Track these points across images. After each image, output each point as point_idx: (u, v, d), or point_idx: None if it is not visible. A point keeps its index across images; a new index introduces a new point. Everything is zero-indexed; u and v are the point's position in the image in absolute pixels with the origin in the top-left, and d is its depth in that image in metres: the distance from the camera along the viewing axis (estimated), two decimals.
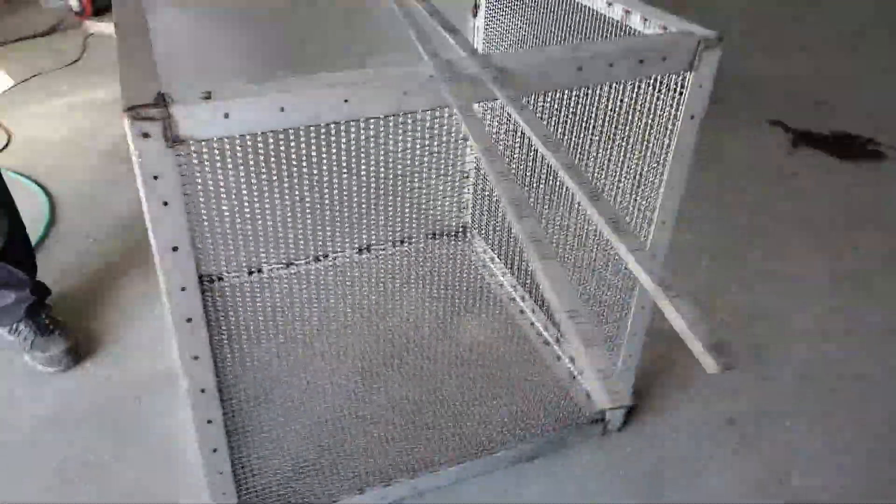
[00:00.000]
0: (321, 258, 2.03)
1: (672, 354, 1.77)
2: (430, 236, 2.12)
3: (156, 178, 0.84)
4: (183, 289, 0.95)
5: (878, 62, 3.59)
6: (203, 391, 1.06)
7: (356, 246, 2.05)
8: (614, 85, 1.13)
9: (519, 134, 1.76)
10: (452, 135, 1.94)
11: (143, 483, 1.40)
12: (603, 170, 1.30)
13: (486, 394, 1.59)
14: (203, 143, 0.87)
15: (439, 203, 2.01)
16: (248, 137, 0.89)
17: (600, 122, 1.20)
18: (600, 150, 1.28)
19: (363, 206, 1.80)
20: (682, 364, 1.75)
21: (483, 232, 2.11)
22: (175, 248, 0.91)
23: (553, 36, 1.49)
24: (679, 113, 1.12)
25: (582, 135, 1.29)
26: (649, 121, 1.14)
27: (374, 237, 2.02)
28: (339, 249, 2.03)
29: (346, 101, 0.88)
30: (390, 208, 1.86)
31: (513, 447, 1.46)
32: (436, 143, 1.79)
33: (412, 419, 1.52)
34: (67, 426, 1.51)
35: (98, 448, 1.47)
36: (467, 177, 2.05)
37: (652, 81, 1.11)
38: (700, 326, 0.59)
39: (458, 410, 1.54)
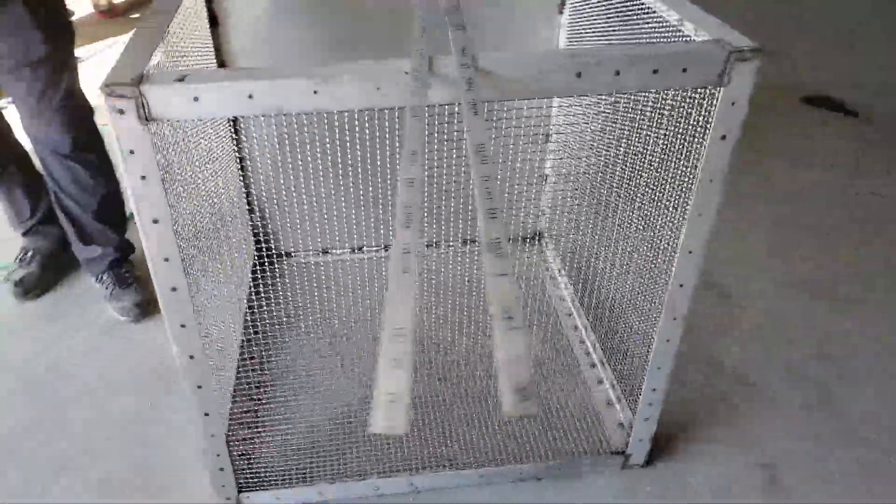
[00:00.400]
0: (389, 248, 2.05)
1: (722, 390, 1.61)
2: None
3: (132, 152, 0.90)
4: (166, 259, 1.00)
5: None
6: (192, 357, 1.11)
7: (425, 241, 2.05)
8: (635, 95, 1.03)
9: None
10: (532, 137, 1.89)
11: (169, 447, 1.50)
12: (621, 187, 1.19)
13: None
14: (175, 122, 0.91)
15: (513, 206, 1.97)
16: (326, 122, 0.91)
17: (624, 132, 1.11)
18: (622, 165, 1.17)
19: (435, 201, 1.81)
20: (729, 402, 1.58)
21: (556, 241, 2.03)
22: (156, 221, 0.96)
23: (625, 38, 1.40)
24: (707, 132, 1.00)
25: (608, 144, 1.19)
26: (673, 138, 1.03)
27: (443, 234, 2.02)
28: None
29: (315, 91, 0.88)
30: (462, 206, 1.85)
31: (532, 463, 1.39)
32: (511, 143, 1.75)
33: (436, 417, 1.50)
34: (121, 378, 1.65)
35: (136, 404, 1.59)
36: (545, 182, 1.98)
37: (676, 94, 1.00)
38: (516, 367, 0.52)
39: (483, 415, 1.51)
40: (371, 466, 1.40)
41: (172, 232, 0.98)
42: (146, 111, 0.87)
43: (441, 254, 2.00)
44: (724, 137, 1.00)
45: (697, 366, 1.68)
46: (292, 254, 2.03)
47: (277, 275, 1.95)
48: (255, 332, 1.68)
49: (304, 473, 1.38)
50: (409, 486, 1.39)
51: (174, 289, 1.03)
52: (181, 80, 0.86)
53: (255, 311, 1.73)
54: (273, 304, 1.78)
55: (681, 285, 1.16)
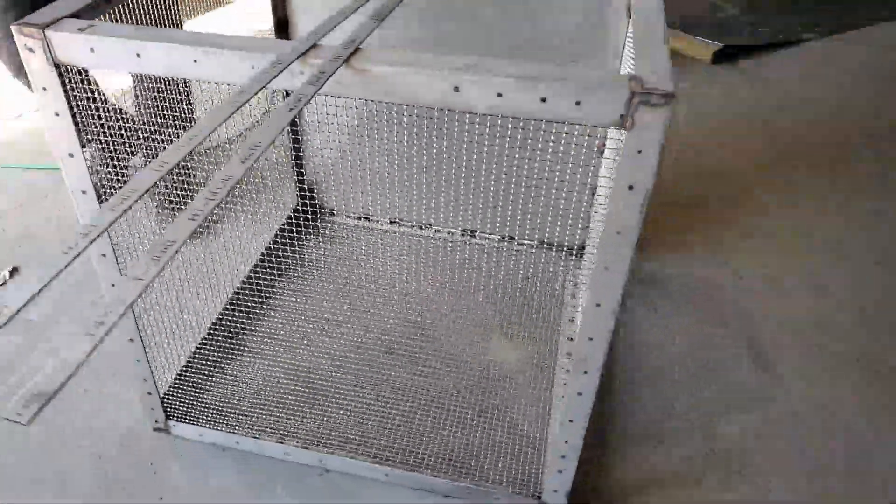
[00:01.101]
0: (425, 227, 2.05)
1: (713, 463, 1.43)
2: (540, 244, 1.98)
3: (44, 89, 0.97)
4: (83, 192, 1.08)
5: None
6: (113, 285, 1.20)
7: (462, 227, 2.02)
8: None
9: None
10: (584, 147, 1.77)
11: None
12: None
13: (469, 413, 1.49)
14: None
15: (556, 213, 1.87)
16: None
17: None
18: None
19: (477, 191, 1.79)
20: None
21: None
22: (71, 155, 1.04)
23: None
24: (612, 179, 0.88)
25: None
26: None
27: (480, 224, 1.98)
28: (445, 225, 2.02)
29: (195, 60, 0.89)
30: (506, 204, 1.82)
31: (447, 478, 1.35)
32: (561, 154, 1.64)
33: (378, 408, 1.50)
34: None
35: None
36: (593, 194, 1.85)
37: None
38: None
39: (429, 416, 1.48)
40: (293, 433, 1.43)
41: (87, 167, 1.05)
42: (52, 54, 0.93)
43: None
44: (631, 188, 0.87)
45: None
46: (333, 212, 2.08)
47: (314, 233, 2.02)
48: (258, 278, 1.77)
49: (232, 421, 1.44)
50: (318, 462, 1.40)
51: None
52: (82, 30, 0.91)
53: (271, 256, 1.82)
54: (292, 256, 1.86)
55: (590, 339, 1.04)
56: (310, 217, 2.06)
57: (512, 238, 2.00)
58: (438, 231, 2.02)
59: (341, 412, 1.48)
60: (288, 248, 1.91)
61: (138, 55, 0.90)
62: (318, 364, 1.59)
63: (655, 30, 0.95)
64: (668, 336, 1.73)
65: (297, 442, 1.41)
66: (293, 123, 1.92)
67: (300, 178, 1.99)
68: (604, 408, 1.54)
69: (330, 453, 1.39)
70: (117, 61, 0.92)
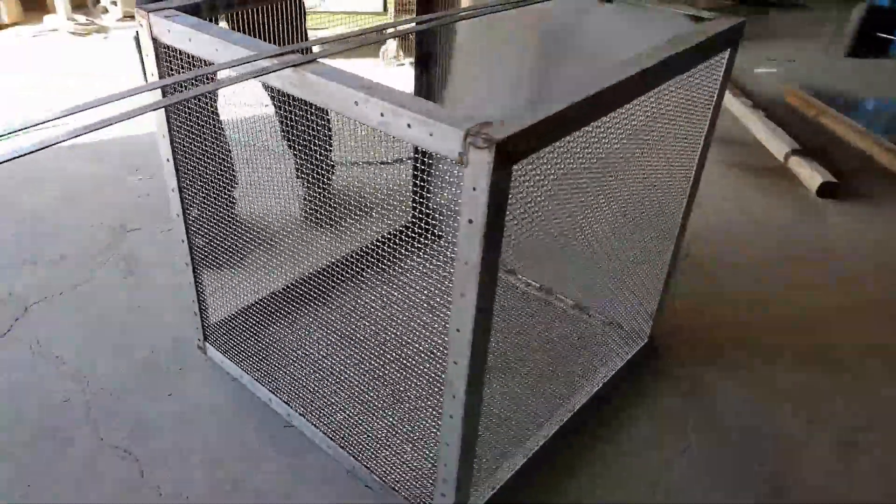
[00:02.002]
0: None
1: None
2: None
3: (147, 56, 1.35)
4: (163, 136, 1.45)
5: None
6: (178, 215, 1.56)
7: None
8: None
9: None
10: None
11: None
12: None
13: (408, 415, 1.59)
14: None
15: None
16: None
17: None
18: None
19: None
20: None
21: None
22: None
23: None
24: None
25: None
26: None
27: None
28: None
29: (216, 49, 1.19)
30: None
31: (370, 472, 1.48)
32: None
33: (354, 397, 1.66)
34: None
35: None
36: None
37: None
38: None
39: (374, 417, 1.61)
40: (282, 389, 1.66)
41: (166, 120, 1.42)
42: (151, 30, 1.31)
43: None
44: (470, 222, 0.95)
45: None
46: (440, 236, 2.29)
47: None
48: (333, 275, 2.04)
49: (247, 361, 1.73)
50: (286, 415, 1.62)
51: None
52: (168, 17, 1.27)
53: (361, 258, 2.09)
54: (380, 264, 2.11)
55: (455, 363, 1.11)
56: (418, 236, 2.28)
57: None
58: None
59: (324, 391, 1.66)
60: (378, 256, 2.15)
61: (189, 40, 1.23)
62: (334, 355, 1.79)
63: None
64: None
65: (281, 395, 1.64)
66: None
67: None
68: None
69: (299, 414, 1.60)
70: (179, 42, 1.26)
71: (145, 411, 1.64)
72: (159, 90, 1.33)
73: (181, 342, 1.84)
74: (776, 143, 2.98)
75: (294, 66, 1.09)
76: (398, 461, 1.48)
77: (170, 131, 1.45)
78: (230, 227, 1.61)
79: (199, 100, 1.44)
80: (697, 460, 1.59)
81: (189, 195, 1.56)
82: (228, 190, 1.61)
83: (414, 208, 2.17)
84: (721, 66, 1.46)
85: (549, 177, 1.15)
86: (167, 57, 1.35)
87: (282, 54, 1.12)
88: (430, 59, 2.04)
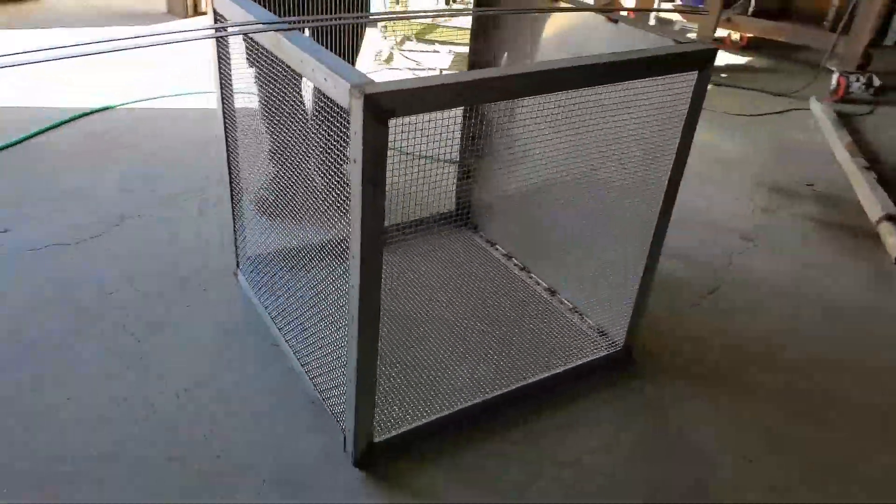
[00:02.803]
0: None
1: None
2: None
3: (213, 19, 1.72)
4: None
5: None
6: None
7: None
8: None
9: None
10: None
11: None
12: None
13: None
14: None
15: None
16: None
17: None
18: None
19: None
20: None
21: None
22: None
23: None
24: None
25: None
26: None
27: None
28: None
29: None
30: None
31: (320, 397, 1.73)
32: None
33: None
34: None
35: None
36: None
37: None
38: None
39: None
40: (284, 325, 1.95)
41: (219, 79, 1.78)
42: (213, 6, 1.67)
43: None
44: (355, 161, 1.17)
45: None
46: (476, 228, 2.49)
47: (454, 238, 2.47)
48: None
49: (265, 289, 2.04)
50: (275, 335, 1.90)
51: None
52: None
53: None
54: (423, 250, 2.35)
55: (353, 286, 1.33)
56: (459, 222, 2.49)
57: None
58: None
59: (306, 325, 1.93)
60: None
61: (227, 9, 1.57)
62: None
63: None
64: None
65: (276, 322, 1.93)
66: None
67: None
68: None
69: (285, 339, 1.88)
70: (222, 9, 1.61)
71: (166, 311, 2.01)
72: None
73: (221, 270, 2.20)
74: (874, 206, 2.81)
75: (278, 30, 1.37)
76: (328, 384, 1.70)
77: (219, 71, 1.79)
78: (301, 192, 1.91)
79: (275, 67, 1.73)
80: (611, 464, 1.64)
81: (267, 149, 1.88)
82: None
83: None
84: (689, 87, 1.54)
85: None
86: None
87: (277, 23, 1.41)
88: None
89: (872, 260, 2.56)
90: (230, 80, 1.82)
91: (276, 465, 1.56)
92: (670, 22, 4.86)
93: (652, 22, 4.74)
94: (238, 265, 2.13)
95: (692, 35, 4.51)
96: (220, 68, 1.80)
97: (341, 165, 1.33)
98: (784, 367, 1.99)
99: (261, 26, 1.40)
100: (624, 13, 3.60)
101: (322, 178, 1.47)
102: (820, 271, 2.47)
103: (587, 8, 1.80)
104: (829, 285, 2.38)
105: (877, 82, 4.12)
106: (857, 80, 4.05)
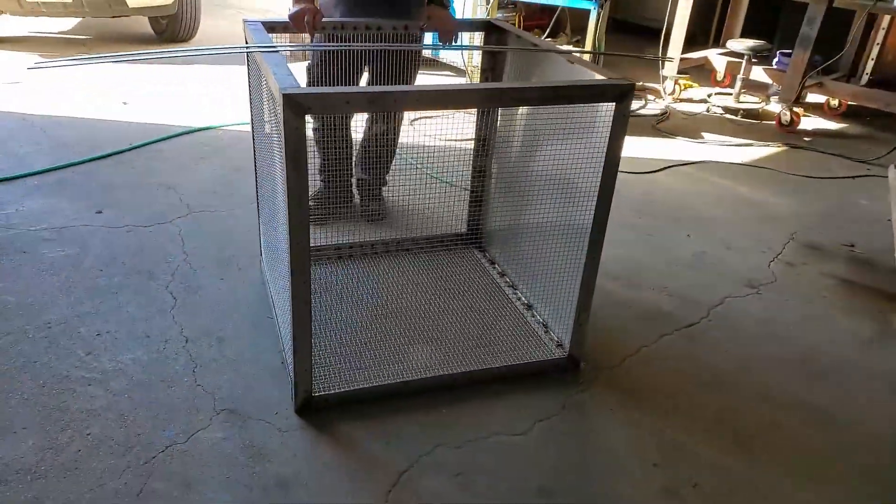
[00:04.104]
0: None
1: None
2: None
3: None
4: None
5: None
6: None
7: None
8: None
9: None
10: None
11: None
12: None
13: None
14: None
15: None
16: None
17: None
18: None
19: None
20: None
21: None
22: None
23: None
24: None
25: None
26: None
27: None
28: None
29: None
30: None
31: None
32: None
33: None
34: None
35: None
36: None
37: None
38: None
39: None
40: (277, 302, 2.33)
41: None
42: (244, 33, 2.13)
43: None
44: (280, 149, 1.52)
45: None
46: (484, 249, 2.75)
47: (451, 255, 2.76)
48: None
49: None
50: (272, 309, 2.27)
51: None
52: (250, 26, 2.08)
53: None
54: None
55: (286, 253, 1.66)
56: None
57: None
58: None
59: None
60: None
61: (248, 33, 2.02)
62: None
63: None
64: None
65: (275, 298, 2.30)
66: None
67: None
68: None
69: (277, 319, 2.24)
70: (249, 36, 2.05)
71: (204, 280, 2.45)
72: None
73: (253, 255, 2.63)
74: None
75: (259, 50, 1.78)
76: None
77: (249, 86, 2.24)
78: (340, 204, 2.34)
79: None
80: (519, 446, 1.82)
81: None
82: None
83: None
84: (609, 116, 1.75)
85: None
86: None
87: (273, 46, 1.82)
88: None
89: (883, 321, 2.50)
90: (259, 103, 2.26)
91: (235, 401, 1.90)
92: (766, 85, 4.85)
93: (738, 85, 4.76)
94: (261, 253, 2.55)
95: (777, 98, 4.51)
96: (250, 92, 2.25)
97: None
98: (724, 397, 2.05)
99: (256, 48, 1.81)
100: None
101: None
102: (818, 323, 2.46)
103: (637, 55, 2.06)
104: (821, 337, 2.38)
105: None
106: None
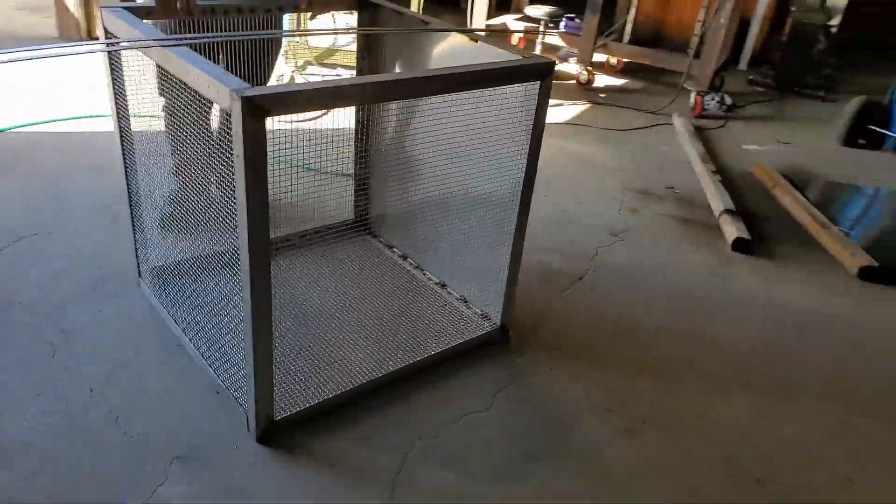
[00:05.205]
0: None
1: None
2: None
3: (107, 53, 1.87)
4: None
5: None
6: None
7: None
8: None
9: None
10: None
11: None
12: None
13: None
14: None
15: None
16: None
17: None
18: None
19: None
20: None
21: None
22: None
23: None
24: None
25: None
26: None
27: None
28: None
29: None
30: None
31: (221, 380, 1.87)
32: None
33: None
34: None
35: None
36: None
37: None
38: None
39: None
40: (187, 325, 2.09)
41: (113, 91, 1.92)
42: (103, 21, 1.83)
43: None
44: (238, 156, 1.36)
45: None
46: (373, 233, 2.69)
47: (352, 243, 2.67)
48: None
49: (168, 301, 2.17)
50: (179, 335, 2.04)
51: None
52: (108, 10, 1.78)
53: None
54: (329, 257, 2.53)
55: (244, 269, 1.50)
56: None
57: None
58: None
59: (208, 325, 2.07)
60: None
61: (112, 21, 1.74)
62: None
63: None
64: None
65: (180, 323, 2.06)
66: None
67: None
68: None
69: (188, 338, 2.01)
70: (111, 27, 1.76)
71: (76, 317, 2.10)
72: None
73: (126, 278, 2.30)
74: (717, 203, 3.22)
75: (165, 45, 1.55)
76: (233, 374, 1.85)
77: (113, 84, 1.94)
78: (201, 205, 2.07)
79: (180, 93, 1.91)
80: (488, 419, 1.87)
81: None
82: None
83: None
84: (534, 93, 1.82)
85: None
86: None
87: (165, 40, 1.59)
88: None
89: (716, 247, 2.94)
90: (125, 99, 1.97)
91: (183, 444, 1.69)
92: (557, 48, 5.28)
93: (539, 48, 5.14)
94: (140, 275, 2.25)
95: (573, 59, 4.95)
96: (114, 87, 1.95)
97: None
98: (636, 338, 2.30)
99: (151, 41, 1.58)
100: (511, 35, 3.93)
101: (218, 188, 1.65)
102: (673, 258, 2.82)
103: (461, 30, 2.07)
104: (679, 270, 2.74)
105: (728, 101, 4.66)
106: (713, 99, 4.56)
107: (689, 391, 2.08)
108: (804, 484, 1.79)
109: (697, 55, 4.63)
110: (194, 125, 1.94)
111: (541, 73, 1.80)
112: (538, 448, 1.80)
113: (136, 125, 2.02)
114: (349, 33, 4.47)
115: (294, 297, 2.25)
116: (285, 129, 1.59)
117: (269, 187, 1.41)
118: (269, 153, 1.39)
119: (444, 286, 2.37)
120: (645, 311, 2.45)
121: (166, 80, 2.02)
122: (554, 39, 5.17)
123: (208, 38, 1.69)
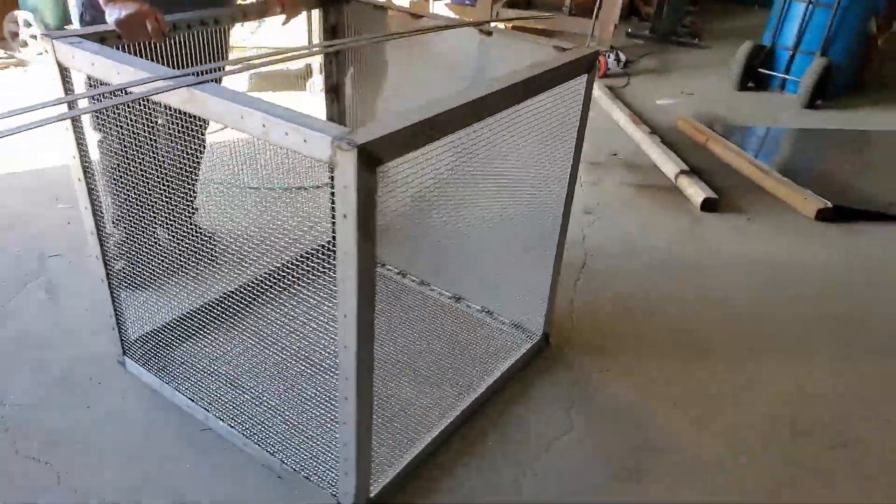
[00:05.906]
0: None
1: None
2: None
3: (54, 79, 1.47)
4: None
5: None
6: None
7: None
8: None
9: None
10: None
11: None
12: None
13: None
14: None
15: None
16: None
17: None
18: None
19: None
20: None
21: None
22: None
23: None
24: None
25: None
26: None
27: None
28: None
29: (92, 63, 1.33)
30: None
31: (279, 461, 1.59)
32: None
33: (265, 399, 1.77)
34: None
35: None
36: None
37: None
38: None
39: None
40: (199, 395, 1.76)
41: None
42: (57, 57, 1.43)
43: None
44: (345, 216, 1.11)
45: None
46: None
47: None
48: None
49: (174, 376, 1.81)
50: (204, 417, 1.71)
51: None
52: (72, 44, 1.40)
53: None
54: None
55: (345, 347, 1.25)
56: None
57: None
58: None
59: (241, 398, 1.76)
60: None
61: (93, 64, 1.36)
62: (249, 363, 1.90)
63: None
64: None
65: (200, 402, 1.72)
66: None
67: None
68: None
69: (216, 417, 1.69)
70: (83, 66, 1.38)
71: (62, 422, 1.70)
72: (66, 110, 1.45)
73: (101, 358, 1.90)
74: (669, 165, 3.27)
75: (188, 85, 1.23)
76: (307, 452, 1.59)
77: (79, 151, 1.56)
78: (151, 252, 1.71)
79: (123, 126, 1.55)
80: (576, 440, 1.76)
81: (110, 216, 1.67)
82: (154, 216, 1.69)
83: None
84: (581, 89, 1.68)
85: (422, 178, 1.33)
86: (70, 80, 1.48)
87: (175, 77, 1.26)
88: (338, 88, 2.20)
89: (685, 209, 2.99)
90: (84, 138, 1.58)
91: None
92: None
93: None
94: (124, 351, 1.86)
95: None
96: (74, 128, 1.55)
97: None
98: (653, 315, 2.28)
99: (169, 83, 1.24)
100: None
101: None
102: (651, 227, 2.82)
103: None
104: (661, 238, 2.75)
105: (623, 58, 4.76)
106: (610, 58, 4.64)
107: (721, 364, 2.08)
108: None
109: (572, 13, 4.72)
110: (139, 157, 1.59)
111: (588, 65, 1.65)
112: (630, 455, 1.72)
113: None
114: (349, 46, 4.01)
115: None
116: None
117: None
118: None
119: (487, 311, 2.17)
120: (652, 285, 2.43)
121: (103, 112, 1.66)
122: (444, 10, 4.99)
123: (235, 70, 1.37)
